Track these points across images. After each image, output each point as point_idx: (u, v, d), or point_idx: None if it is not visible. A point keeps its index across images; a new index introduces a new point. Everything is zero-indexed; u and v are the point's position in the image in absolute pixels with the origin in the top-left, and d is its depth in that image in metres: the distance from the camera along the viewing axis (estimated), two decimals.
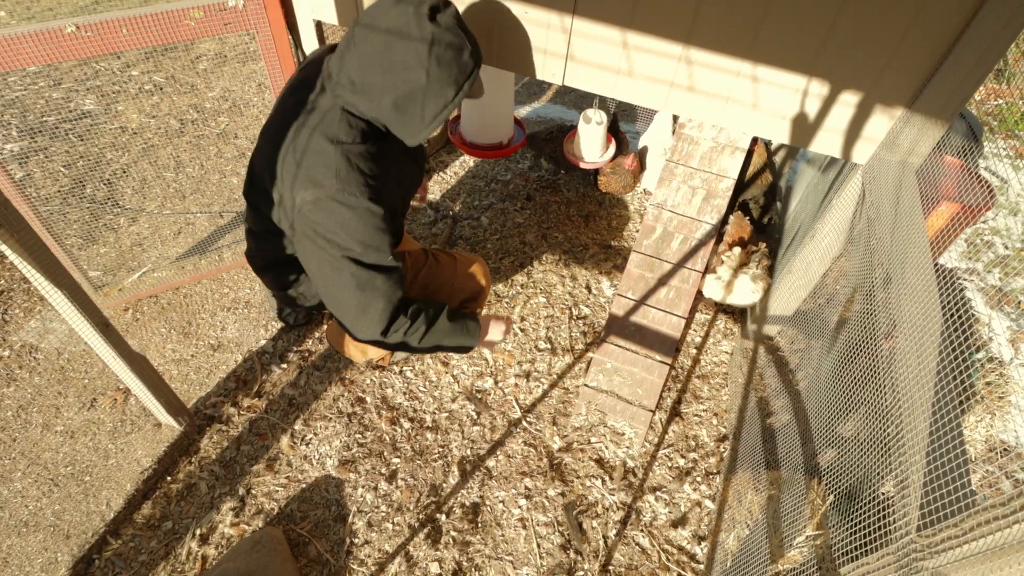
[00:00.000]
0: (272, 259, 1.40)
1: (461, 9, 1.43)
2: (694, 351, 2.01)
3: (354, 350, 1.76)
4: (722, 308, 2.16)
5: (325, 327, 1.89)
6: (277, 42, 1.64)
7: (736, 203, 2.22)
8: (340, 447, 1.67)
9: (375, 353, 1.76)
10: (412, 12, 1.07)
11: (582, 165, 2.35)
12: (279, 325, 1.95)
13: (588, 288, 2.18)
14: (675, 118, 2.39)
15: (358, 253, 1.13)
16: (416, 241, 1.73)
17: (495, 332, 1.43)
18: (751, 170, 2.20)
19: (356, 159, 1.11)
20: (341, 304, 1.18)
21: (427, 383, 1.85)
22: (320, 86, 1.17)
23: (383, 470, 1.64)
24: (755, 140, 2.18)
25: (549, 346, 1.98)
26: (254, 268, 1.48)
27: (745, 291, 1.83)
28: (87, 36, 1.32)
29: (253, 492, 1.57)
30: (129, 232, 2.18)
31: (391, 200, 1.21)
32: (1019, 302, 2.18)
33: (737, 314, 2.14)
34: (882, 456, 0.93)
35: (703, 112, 1.42)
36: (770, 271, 1.88)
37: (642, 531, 1.56)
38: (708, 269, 1.87)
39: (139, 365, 1.43)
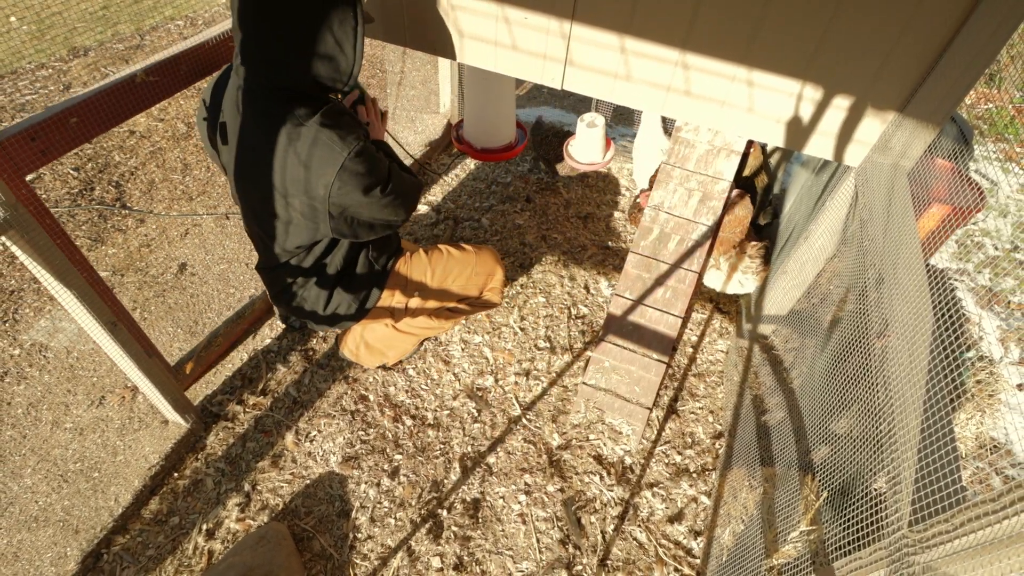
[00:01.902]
0: (302, 287, 1.45)
1: (462, 15, 1.46)
2: (690, 350, 2.04)
3: (371, 363, 1.80)
4: (719, 307, 2.19)
5: (341, 343, 1.89)
6: None
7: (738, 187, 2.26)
8: (343, 444, 1.70)
9: (392, 359, 1.81)
10: None
11: (579, 167, 2.39)
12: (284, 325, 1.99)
13: (587, 288, 2.21)
14: (664, 119, 2.42)
15: (382, 179, 1.23)
16: (415, 244, 1.77)
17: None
18: (747, 171, 2.22)
19: (328, 119, 1.14)
20: (394, 215, 1.31)
21: (429, 381, 1.88)
22: (253, 96, 1.16)
23: (386, 466, 1.66)
24: (751, 142, 2.20)
25: (548, 345, 2.01)
26: (290, 310, 1.54)
27: (748, 280, 1.92)
28: (156, 80, 1.29)
29: (258, 488, 1.60)
30: (137, 233, 2.22)
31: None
32: (1008, 302, 2.20)
33: (733, 313, 2.16)
34: (874, 453, 0.94)
35: (699, 116, 1.44)
36: (767, 259, 1.96)
37: (639, 526, 1.59)
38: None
39: (146, 363, 1.46)
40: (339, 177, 1.15)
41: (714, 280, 2.04)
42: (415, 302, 1.64)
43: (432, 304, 1.68)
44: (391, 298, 1.58)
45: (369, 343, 1.75)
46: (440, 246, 1.70)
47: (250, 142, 1.19)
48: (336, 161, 1.13)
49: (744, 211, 1.97)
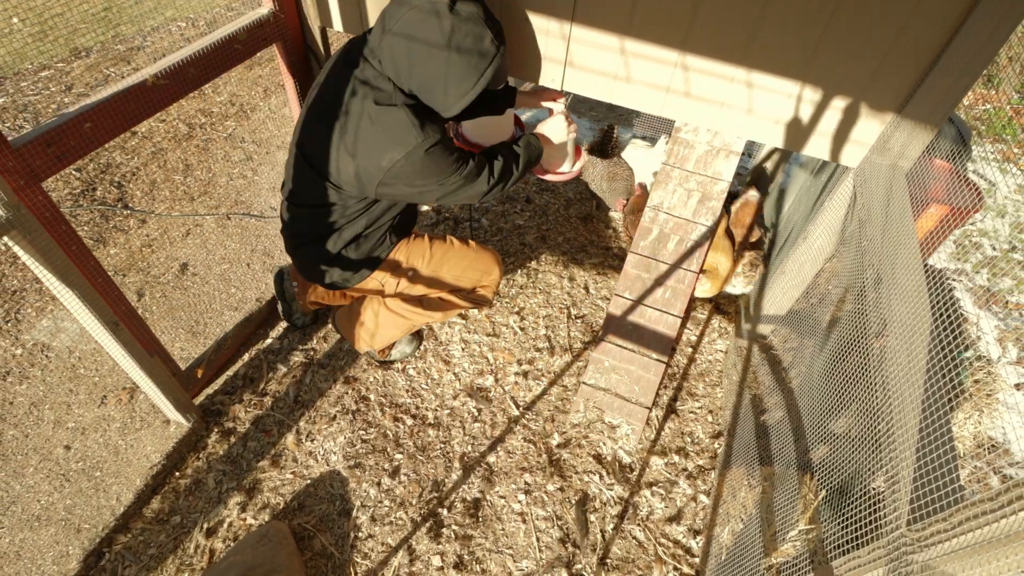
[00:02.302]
0: (315, 234, 1.48)
1: None
2: (689, 350, 2.04)
3: (366, 337, 1.80)
4: (718, 307, 2.19)
5: (336, 314, 1.94)
6: (296, 49, 1.71)
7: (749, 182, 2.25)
8: (344, 443, 1.71)
9: (381, 341, 1.81)
10: (434, 2, 1.14)
11: (548, 178, 1.92)
12: (285, 324, 1.99)
13: (586, 288, 2.22)
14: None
15: (455, 178, 1.29)
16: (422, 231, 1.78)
17: (554, 132, 1.54)
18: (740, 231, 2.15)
19: (418, 111, 1.23)
20: (455, 198, 1.39)
21: (429, 381, 1.89)
22: (363, 60, 1.25)
23: (386, 466, 1.67)
24: (748, 202, 2.17)
25: (548, 345, 2.02)
26: (291, 247, 1.56)
27: (738, 283, 1.96)
28: (166, 84, 1.32)
29: (259, 487, 1.60)
30: (139, 234, 2.23)
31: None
32: (1006, 302, 2.21)
33: (732, 313, 2.17)
34: (873, 452, 0.94)
35: (699, 117, 1.45)
36: (765, 260, 1.99)
37: (639, 525, 1.59)
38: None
39: (148, 363, 1.46)
40: (406, 158, 1.22)
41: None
42: (405, 283, 1.65)
43: (420, 288, 1.69)
44: (384, 274, 1.60)
45: (362, 319, 1.77)
46: (448, 236, 1.72)
47: (337, 88, 1.27)
48: (408, 143, 1.21)
49: (747, 208, 1.99)
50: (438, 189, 1.31)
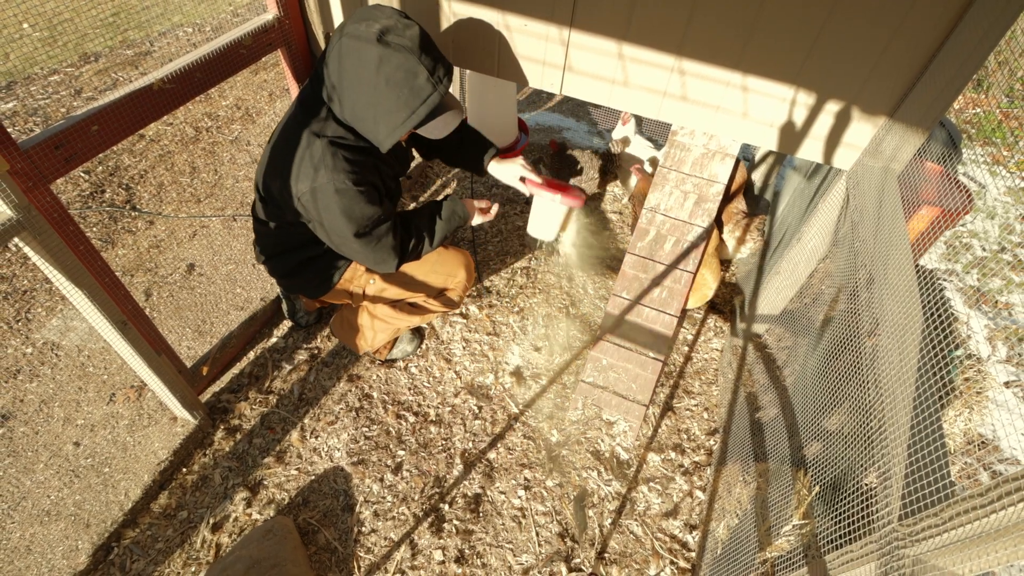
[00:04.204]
0: (271, 252, 1.53)
1: (465, 21, 1.50)
2: (686, 348, 2.07)
3: (360, 342, 1.84)
4: (714, 306, 2.22)
5: (331, 322, 1.98)
6: (301, 54, 1.74)
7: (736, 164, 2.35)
8: (348, 440, 1.74)
9: (377, 343, 1.84)
10: (364, 31, 1.13)
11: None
12: (289, 323, 2.02)
13: (584, 288, 2.25)
14: (639, 120, 2.47)
15: (356, 228, 1.29)
16: None
17: (475, 217, 1.63)
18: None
19: (340, 150, 1.22)
20: (360, 262, 1.43)
21: (431, 379, 1.92)
22: (312, 83, 1.28)
23: (389, 462, 1.70)
24: (737, 161, 2.27)
25: (547, 344, 2.04)
26: (260, 260, 1.60)
27: (730, 241, 2.12)
28: (172, 88, 1.35)
29: (264, 483, 1.64)
30: (146, 235, 2.26)
31: (376, 184, 1.34)
32: (996, 301, 2.23)
33: (728, 313, 2.20)
34: (865, 449, 0.95)
35: (695, 120, 1.48)
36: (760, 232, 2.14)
37: (636, 520, 1.62)
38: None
39: (156, 361, 1.49)
40: (312, 192, 1.24)
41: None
42: (373, 288, 1.67)
43: (396, 291, 1.71)
44: (350, 282, 1.63)
45: (357, 325, 1.81)
46: None
47: (293, 109, 1.32)
48: (315, 177, 1.22)
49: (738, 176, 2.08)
50: (350, 241, 1.31)
